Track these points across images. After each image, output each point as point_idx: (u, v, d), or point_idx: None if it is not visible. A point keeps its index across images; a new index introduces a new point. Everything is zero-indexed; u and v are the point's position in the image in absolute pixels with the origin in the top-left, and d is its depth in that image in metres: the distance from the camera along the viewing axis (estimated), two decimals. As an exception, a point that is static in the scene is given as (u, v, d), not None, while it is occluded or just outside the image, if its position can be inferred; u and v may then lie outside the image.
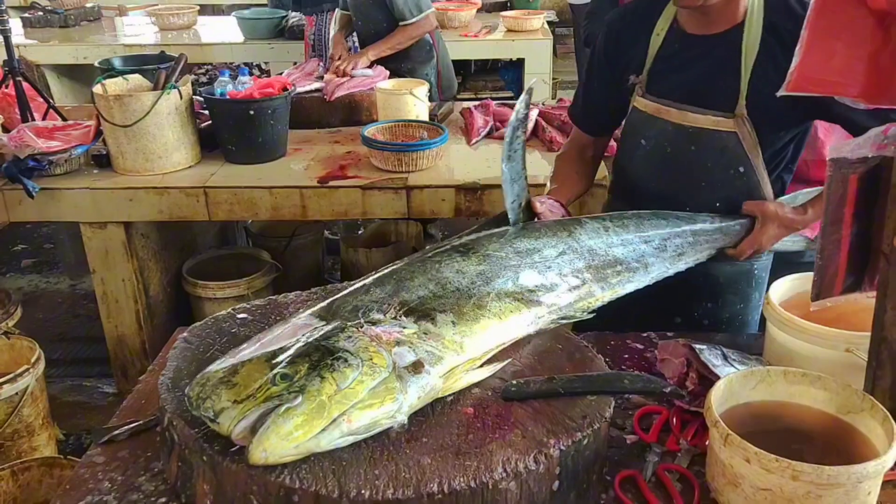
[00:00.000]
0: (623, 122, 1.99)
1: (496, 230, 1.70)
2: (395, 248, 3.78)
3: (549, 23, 6.18)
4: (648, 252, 1.75)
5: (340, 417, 1.16)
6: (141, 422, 1.49)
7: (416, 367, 1.25)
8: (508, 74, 6.15)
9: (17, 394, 2.62)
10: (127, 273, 3.02)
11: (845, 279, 1.28)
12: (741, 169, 1.79)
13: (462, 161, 3.12)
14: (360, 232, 4.21)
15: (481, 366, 1.39)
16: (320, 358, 1.24)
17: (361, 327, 1.33)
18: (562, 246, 1.66)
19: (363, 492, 1.12)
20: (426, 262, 1.54)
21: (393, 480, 1.14)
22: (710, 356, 1.50)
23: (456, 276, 1.51)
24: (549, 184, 2.03)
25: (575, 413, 1.29)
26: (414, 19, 3.84)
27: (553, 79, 7.04)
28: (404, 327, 1.35)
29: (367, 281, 1.51)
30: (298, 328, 1.35)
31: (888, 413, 1.23)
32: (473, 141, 3.28)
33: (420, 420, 1.28)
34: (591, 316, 1.60)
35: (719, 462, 1.26)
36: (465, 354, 1.35)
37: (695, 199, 1.85)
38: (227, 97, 2.98)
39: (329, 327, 1.34)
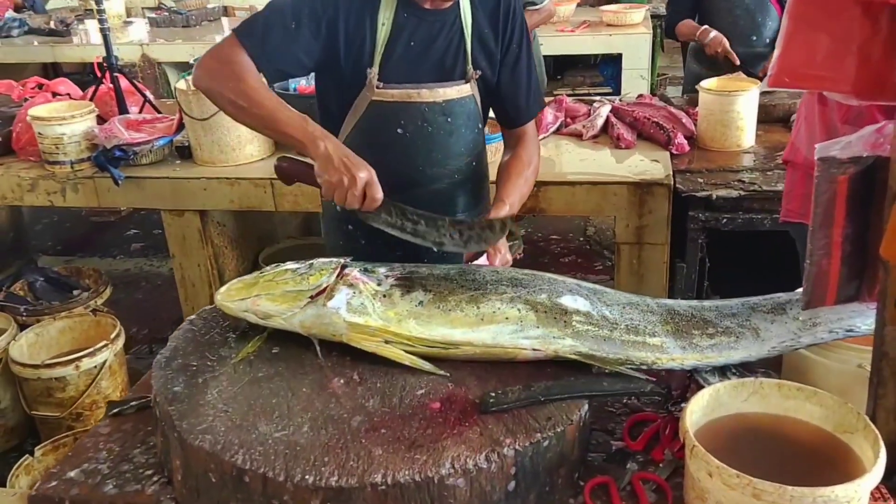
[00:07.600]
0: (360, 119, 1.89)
1: None
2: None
3: (657, 16, 5.96)
4: (758, 316, 1.42)
5: (254, 297, 1.45)
6: (149, 398, 1.57)
7: (326, 298, 1.42)
8: (607, 70, 6.01)
9: (95, 367, 2.83)
10: (202, 258, 3.18)
11: (840, 287, 1.18)
12: (479, 125, 1.90)
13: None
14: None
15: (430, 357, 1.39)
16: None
17: (354, 267, 1.50)
18: (635, 299, 1.48)
19: (307, 477, 1.14)
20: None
21: (339, 469, 1.16)
22: (707, 374, 1.41)
23: (487, 273, 1.50)
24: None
25: (540, 415, 1.26)
26: (540, 5, 3.70)
27: (659, 75, 6.82)
28: (377, 283, 1.46)
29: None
30: None
31: (878, 435, 1.13)
32: (541, 136, 3.23)
33: (385, 411, 1.29)
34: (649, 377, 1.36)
35: (690, 475, 1.20)
36: (400, 328, 1.39)
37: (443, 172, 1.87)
38: (297, 91, 3.09)
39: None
